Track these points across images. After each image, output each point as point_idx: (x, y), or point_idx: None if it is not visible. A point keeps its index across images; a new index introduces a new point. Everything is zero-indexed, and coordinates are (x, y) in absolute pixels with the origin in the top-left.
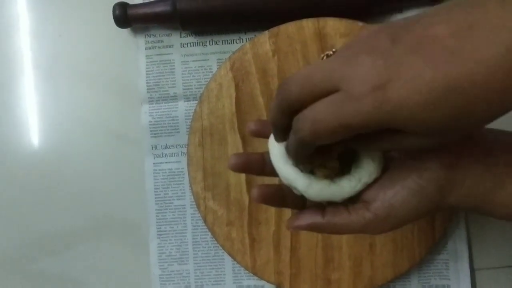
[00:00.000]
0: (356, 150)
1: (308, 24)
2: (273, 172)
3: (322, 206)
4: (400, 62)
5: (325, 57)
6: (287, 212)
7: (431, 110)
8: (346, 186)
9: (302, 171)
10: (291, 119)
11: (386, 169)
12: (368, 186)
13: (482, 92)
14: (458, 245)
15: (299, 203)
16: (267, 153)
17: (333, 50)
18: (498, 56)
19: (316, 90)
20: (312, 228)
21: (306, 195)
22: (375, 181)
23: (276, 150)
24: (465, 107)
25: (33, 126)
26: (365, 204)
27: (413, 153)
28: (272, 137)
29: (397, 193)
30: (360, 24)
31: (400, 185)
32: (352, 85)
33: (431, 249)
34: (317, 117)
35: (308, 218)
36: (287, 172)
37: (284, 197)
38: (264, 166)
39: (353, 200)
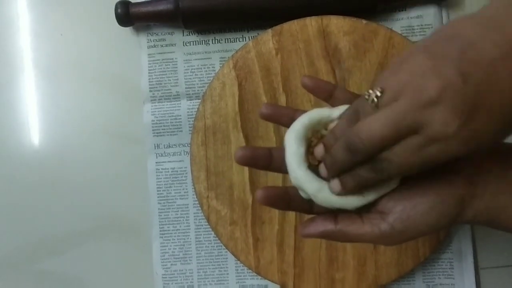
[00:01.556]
0: None
1: (311, 22)
2: (279, 169)
3: (334, 213)
4: (477, 100)
5: (373, 98)
6: (291, 212)
7: (502, 135)
8: (359, 195)
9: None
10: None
11: (404, 180)
12: (383, 196)
13: None
14: (462, 244)
15: (306, 207)
16: (275, 148)
17: (380, 89)
18: None
19: (395, 140)
20: (324, 236)
21: (315, 199)
22: (392, 191)
23: (293, 149)
24: None
25: (34, 125)
26: (381, 215)
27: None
28: (290, 134)
29: (417, 206)
30: (364, 22)
31: (419, 198)
32: (435, 129)
33: (435, 248)
34: (402, 161)
35: (320, 225)
36: (300, 173)
37: (289, 200)
38: (270, 161)
39: (366, 208)
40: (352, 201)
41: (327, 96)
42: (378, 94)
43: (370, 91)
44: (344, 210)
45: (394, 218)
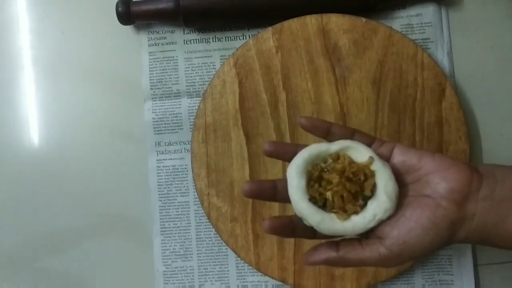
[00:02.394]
0: (373, 187)
1: (311, 21)
2: (284, 199)
3: (335, 240)
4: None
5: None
6: (291, 208)
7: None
8: (359, 223)
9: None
10: None
11: (399, 206)
12: (381, 222)
13: None
14: None
15: (309, 234)
16: (280, 180)
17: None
18: None
19: None
20: (327, 263)
21: (318, 229)
22: (388, 217)
23: (294, 183)
24: None
25: (35, 123)
26: (380, 240)
27: (425, 191)
28: (291, 168)
29: (411, 231)
30: (364, 20)
31: (413, 223)
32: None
33: None
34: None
35: (323, 254)
36: (302, 205)
37: (294, 228)
38: (275, 193)
39: (364, 234)
40: (352, 230)
41: (325, 133)
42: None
43: None
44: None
45: (392, 242)
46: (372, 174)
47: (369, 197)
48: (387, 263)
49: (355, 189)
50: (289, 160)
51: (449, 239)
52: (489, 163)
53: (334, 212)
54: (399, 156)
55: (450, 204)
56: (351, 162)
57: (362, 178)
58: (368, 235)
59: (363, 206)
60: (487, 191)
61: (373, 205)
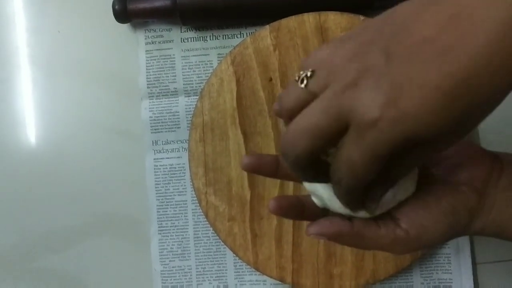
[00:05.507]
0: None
1: (309, 18)
2: (286, 176)
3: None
4: (401, 78)
5: (303, 79)
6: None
7: (447, 111)
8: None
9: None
10: (315, 164)
11: (418, 189)
12: (399, 203)
13: (486, 79)
14: (459, 239)
15: (319, 216)
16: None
17: (311, 70)
18: (493, 38)
19: (329, 134)
20: (338, 236)
21: (330, 204)
22: (407, 199)
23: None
24: (474, 98)
25: (32, 122)
26: (396, 221)
27: (446, 175)
28: None
29: (430, 214)
30: (362, 18)
31: (433, 206)
32: (362, 116)
33: None
34: (352, 159)
35: (336, 225)
36: (326, 192)
37: (303, 208)
38: (277, 169)
39: (380, 217)
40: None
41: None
42: (309, 74)
43: (301, 72)
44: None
45: (409, 224)
46: None
47: None
48: (401, 246)
49: None
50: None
51: (465, 227)
52: (510, 153)
53: None
54: None
55: (471, 191)
56: None
57: None
58: (383, 216)
59: None
60: (506, 182)
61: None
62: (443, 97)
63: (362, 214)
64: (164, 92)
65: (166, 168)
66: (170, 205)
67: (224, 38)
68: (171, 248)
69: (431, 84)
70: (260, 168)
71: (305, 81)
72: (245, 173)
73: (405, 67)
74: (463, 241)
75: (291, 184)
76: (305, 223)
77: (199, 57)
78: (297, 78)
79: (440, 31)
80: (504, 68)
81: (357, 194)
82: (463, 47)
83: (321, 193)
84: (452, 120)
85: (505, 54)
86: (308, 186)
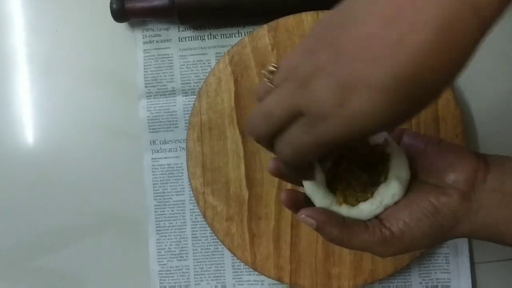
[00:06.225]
0: (386, 172)
1: (307, 18)
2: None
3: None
4: (349, 77)
5: (267, 73)
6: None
7: (393, 109)
8: (365, 210)
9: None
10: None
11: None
12: (387, 207)
13: (429, 76)
14: (458, 239)
15: None
16: None
17: (274, 65)
18: (433, 34)
19: (281, 121)
20: (327, 223)
21: (312, 199)
22: (396, 203)
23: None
24: (418, 96)
25: (29, 122)
26: (381, 221)
27: (432, 179)
28: None
29: (412, 212)
30: None
31: (415, 205)
32: (314, 109)
33: None
34: (295, 141)
35: (327, 214)
36: (310, 187)
37: (308, 207)
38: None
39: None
40: (358, 216)
41: None
42: (272, 69)
43: (268, 67)
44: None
45: (391, 223)
46: (387, 158)
47: (381, 182)
48: (388, 245)
49: (366, 178)
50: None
51: (451, 229)
52: (500, 155)
53: (344, 202)
54: (407, 142)
55: (456, 194)
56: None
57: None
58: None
59: (373, 192)
60: (495, 183)
61: (381, 190)
62: (389, 97)
63: (356, 214)
64: (162, 92)
65: (164, 167)
66: (168, 205)
67: (222, 37)
68: (169, 248)
69: (377, 85)
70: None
71: (268, 76)
72: (243, 173)
73: (352, 66)
74: (462, 241)
75: (289, 185)
76: (302, 223)
77: (197, 56)
78: (265, 72)
79: (385, 27)
80: (446, 64)
81: (296, 169)
82: (406, 45)
83: (316, 203)
84: (396, 116)
85: (445, 50)
86: (307, 191)
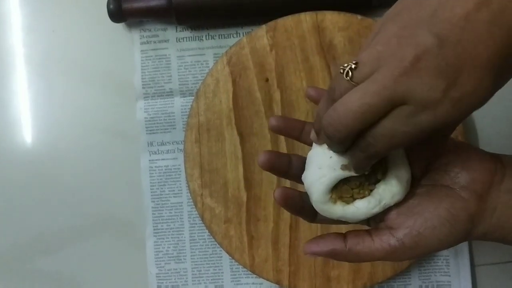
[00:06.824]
0: (385, 170)
1: (306, 18)
2: (295, 177)
3: (342, 233)
4: (457, 60)
5: (347, 71)
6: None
7: (496, 85)
8: (362, 208)
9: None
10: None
11: (412, 194)
12: (391, 210)
13: None
14: None
15: (312, 216)
16: (295, 155)
17: (354, 62)
18: None
19: (377, 113)
20: (333, 255)
21: (316, 208)
22: (398, 205)
23: (314, 157)
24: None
25: (26, 123)
26: (391, 230)
27: (444, 180)
28: (314, 147)
29: (427, 221)
30: (359, 17)
31: (430, 213)
32: (423, 95)
33: None
34: (394, 133)
35: (329, 244)
36: (311, 177)
37: (302, 205)
38: (288, 169)
39: (374, 224)
40: (353, 215)
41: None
42: (353, 66)
43: (345, 64)
44: (346, 222)
45: (404, 233)
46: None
47: (379, 181)
48: (398, 256)
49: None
50: (297, 138)
51: (466, 233)
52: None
53: (339, 198)
54: None
55: (471, 196)
56: None
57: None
58: (379, 225)
59: (371, 190)
60: (510, 184)
61: (380, 189)
62: (495, 73)
63: (351, 212)
64: (159, 93)
65: (162, 169)
66: (166, 207)
67: (220, 37)
68: (166, 250)
69: (483, 64)
70: (276, 166)
71: (350, 73)
72: (241, 175)
73: (457, 48)
74: (462, 244)
75: (287, 184)
76: (301, 226)
77: (194, 57)
78: (341, 71)
79: (478, 7)
80: None
81: (374, 160)
82: (500, 24)
83: (312, 196)
84: (495, 90)
85: None
86: (306, 187)
